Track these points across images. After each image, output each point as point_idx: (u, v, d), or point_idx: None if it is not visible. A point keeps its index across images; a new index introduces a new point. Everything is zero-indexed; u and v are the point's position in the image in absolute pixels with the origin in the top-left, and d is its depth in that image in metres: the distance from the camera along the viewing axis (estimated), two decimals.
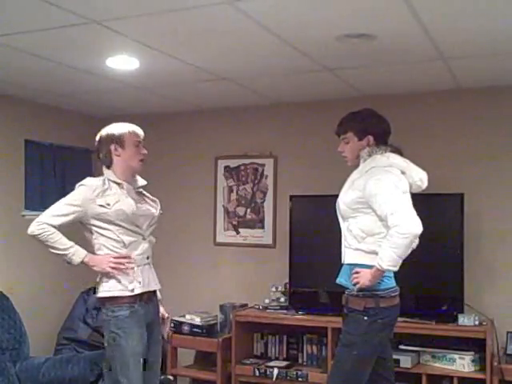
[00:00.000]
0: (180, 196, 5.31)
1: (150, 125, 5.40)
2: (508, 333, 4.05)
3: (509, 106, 4.28)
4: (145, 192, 3.28)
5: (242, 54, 3.57)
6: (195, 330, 4.66)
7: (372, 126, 3.11)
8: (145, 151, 3.17)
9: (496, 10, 2.85)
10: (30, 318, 4.50)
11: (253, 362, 4.53)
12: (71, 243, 2.98)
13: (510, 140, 4.25)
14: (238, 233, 5.12)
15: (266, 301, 4.64)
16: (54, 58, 3.65)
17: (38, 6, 2.78)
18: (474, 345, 3.90)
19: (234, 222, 5.14)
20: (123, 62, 3.73)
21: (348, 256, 3.06)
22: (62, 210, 2.96)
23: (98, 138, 3.17)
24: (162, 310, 3.30)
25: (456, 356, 3.92)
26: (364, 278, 2.92)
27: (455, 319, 3.97)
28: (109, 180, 3.08)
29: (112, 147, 3.10)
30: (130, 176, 3.17)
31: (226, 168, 5.17)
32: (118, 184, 3.09)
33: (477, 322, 3.93)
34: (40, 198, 4.87)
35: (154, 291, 3.20)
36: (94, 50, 3.52)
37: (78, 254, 2.97)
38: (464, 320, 3.93)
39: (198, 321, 4.67)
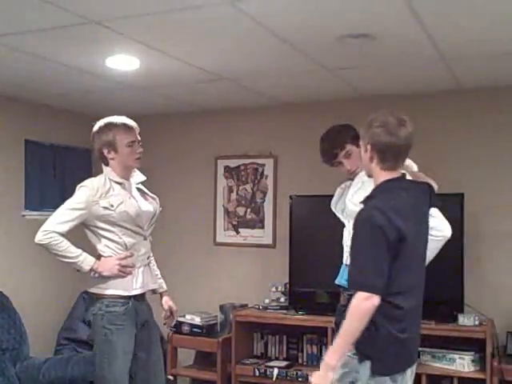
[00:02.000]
0: (180, 196, 5.31)
1: (150, 125, 5.42)
2: (508, 333, 4.05)
3: (509, 106, 4.28)
4: (144, 188, 3.20)
5: (243, 54, 3.57)
6: (195, 329, 4.66)
7: (351, 131, 3.12)
8: (140, 149, 3.07)
9: (496, 10, 2.85)
10: (30, 318, 4.50)
11: (253, 362, 4.53)
12: (79, 251, 2.92)
13: (510, 140, 4.25)
14: (238, 233, 5.12)
15: (266, 301, 4.64)
16: (54, 57, 3.65)
17: (38, 6, 2.78)
18: (474, 345, 3.90)
19: (234, 222, 5.14)
20: (123, 62, 3.73)
21: None
22: (67, 215, 2.90)
23: (91, 136, 3.08)
24: (170, 302, 3.27)
25: (456, 356, 3.92)
26: None
27: (455, 319, 3.97)
28: (110, 179, 3.02)
29: (105, 151, 3.02)
30: (129, 173, 3.11)
31: (226, 168, 5.16)
32: (120, 184, 3.03)
33: (477, 322, 3.93)
34: (40, 197, 4.88)
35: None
36: (94, 50, 3.51)
37: (86, 261, 2.91)
38: (464, 320, 3.94)
39: (198, 321, 4.67)
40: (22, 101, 4.78)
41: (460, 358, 3.90)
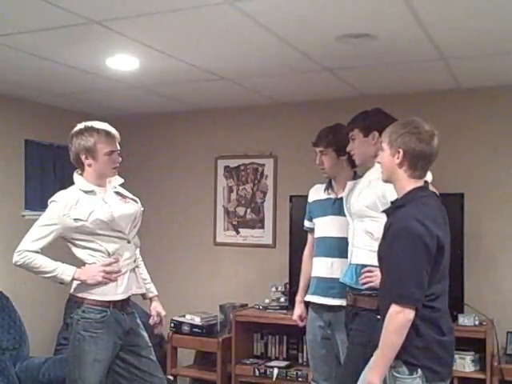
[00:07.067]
0: (180, 196, 5.31)
1: (150, 125, 5.45)
2: (508, 333, 4.05)
3: (509, 106, 4.27)
4: (124, 191, 3.12)
5: (242, 53, 3.57)
6: (195, 329, 4.66)
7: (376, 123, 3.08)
8: (118, 159, 3.01)
9: (496, 10, 2.85)
10: (30, 318, 4.50)
11: (253, 361, 4.53)
12: (57, 264, 2.87)
13: (510, 140, 4.25)
14: (238, 233, 5.12)
15: (266, 301, 4.64)
16: (54, 57, 3.65)
17: (38, 5, 2.78)
18: (474, 345, 3.90)
19: (234, 222, 5.14)
20: (123, 62, 3.73)
21: (360, 256, 3.00)
22: (39, 233, 2.86)
23: (69, 137, 2.99)
24: (159, 308, 3.21)
25: (456, 356, 3.91)
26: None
27: (455, 319, 3.96)
28: (80, 190, 2.95)
29: (82, 156, 2.95)
30: (104, 180, 3.03)
31: (226, 168, 5.16)
32: (90, 191, 2.95)
33: (477, 322, 3.93)
34: (40, 198, 4.86)
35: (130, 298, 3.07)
36: (94, 50, 3.52)
37: (66, 272, 2.86)
38: (464, 320, 3.93)
39: (197, 321, 4.67)
40: (22, 101, 4.78)
41: (460, 358, 3.90)
